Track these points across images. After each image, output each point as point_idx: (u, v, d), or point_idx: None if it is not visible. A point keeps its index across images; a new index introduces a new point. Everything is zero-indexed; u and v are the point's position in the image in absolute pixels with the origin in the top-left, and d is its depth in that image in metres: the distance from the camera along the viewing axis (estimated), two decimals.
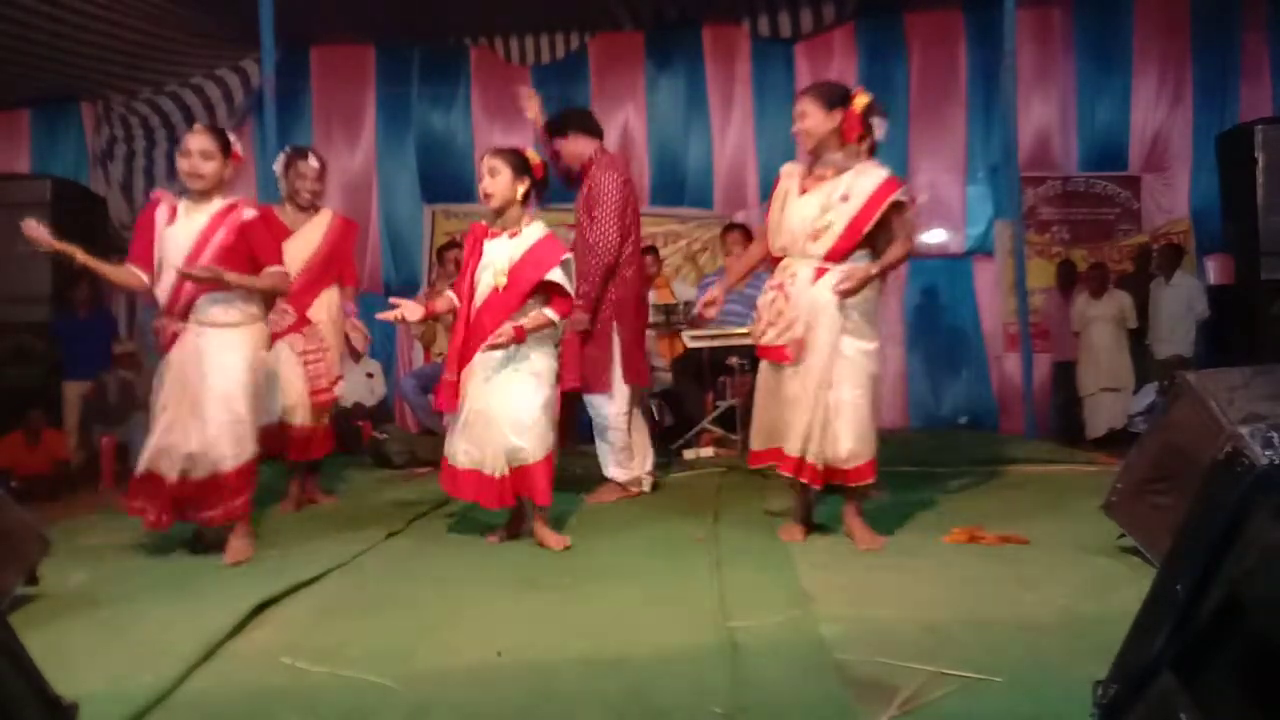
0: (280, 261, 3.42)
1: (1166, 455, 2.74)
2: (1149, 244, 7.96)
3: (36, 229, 3.11)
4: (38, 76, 7.62)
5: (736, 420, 5.68)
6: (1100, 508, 3.01)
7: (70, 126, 8.45)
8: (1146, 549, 2.76)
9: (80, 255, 3.17)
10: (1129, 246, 8.09)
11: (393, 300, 3.53)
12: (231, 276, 3.20)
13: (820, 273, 3.15)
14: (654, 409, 6.46)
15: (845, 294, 3.08)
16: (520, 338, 3.30)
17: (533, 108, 4.54)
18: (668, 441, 5.91)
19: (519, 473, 3.33)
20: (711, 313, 3.51)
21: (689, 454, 5.73)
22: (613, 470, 4.34)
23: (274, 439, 4.22)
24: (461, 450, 3.38)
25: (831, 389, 3.11)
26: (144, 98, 8.15)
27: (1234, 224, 7.37)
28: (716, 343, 5.70)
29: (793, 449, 3.16)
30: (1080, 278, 7.50)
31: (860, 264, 3.15)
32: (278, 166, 4.34)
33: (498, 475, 3.32)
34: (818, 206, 3.16)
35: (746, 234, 6.28)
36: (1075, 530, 3.25)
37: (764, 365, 3.35)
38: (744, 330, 5.66)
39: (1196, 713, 1.04)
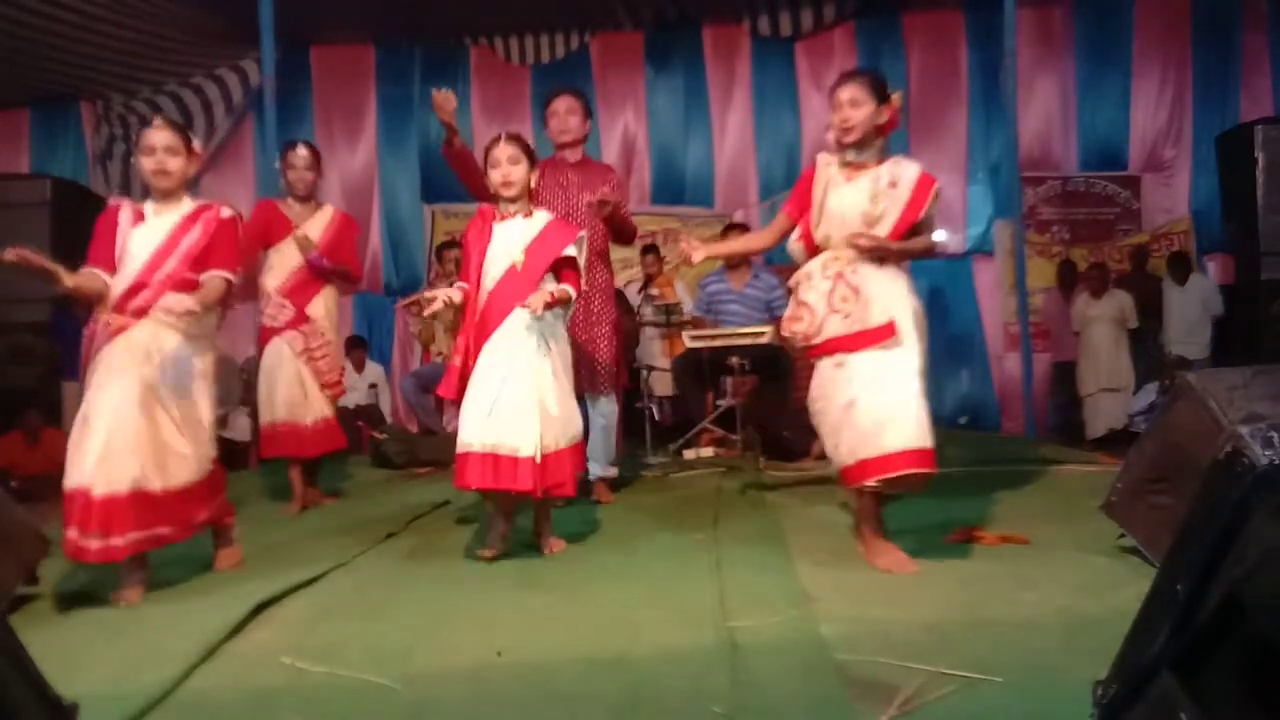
0: (233, 270, 3.09)
1: (1166, 455, 2.73)
2: (1149, 244, 7.96)
3: (22, 253, 2.72)
4: (38, 76, 7.62)
5: (737, 420, 5.67)
6: (1100, 508, 3.00)
7: (70, 126, 8.46)
8: (1146, 549, 2.75)
9: (66, 278, 2.83)
10: (1129, 246, 8.10)
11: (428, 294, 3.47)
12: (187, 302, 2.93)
13: (880, 261, 2.98)
14: (653, 409, 6.47)
15: (863, 249, 2.93)
16: (553, 303, 3.24)
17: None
18: (668, 441, 5.92)
19: (548, 459, 3.18)
20: (697, 256, 3.32)
21: (689, 454, 5.72)
22: (610, 470, 4.37)
23: (273, 440, 4.24)
24: (481, 439, 3.17)
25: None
26: (144, 97, 8.15)
27: (1234, 224, 7.38)
28: (717, 343, 5.69)
29: (909, 440, 2.89)
30: (1080, 278, 7.50)
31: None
32: (278, 164, 4.46)
33: (525, 459, 3.14)
34: (868, 194, 2.99)
35: (746, 233, 6.29)
36: (1075, 530, 3.24)
37: (825, 374, 3.00)
38: (747, 330, 5.66)
39: (1196, 713, 1.04)
